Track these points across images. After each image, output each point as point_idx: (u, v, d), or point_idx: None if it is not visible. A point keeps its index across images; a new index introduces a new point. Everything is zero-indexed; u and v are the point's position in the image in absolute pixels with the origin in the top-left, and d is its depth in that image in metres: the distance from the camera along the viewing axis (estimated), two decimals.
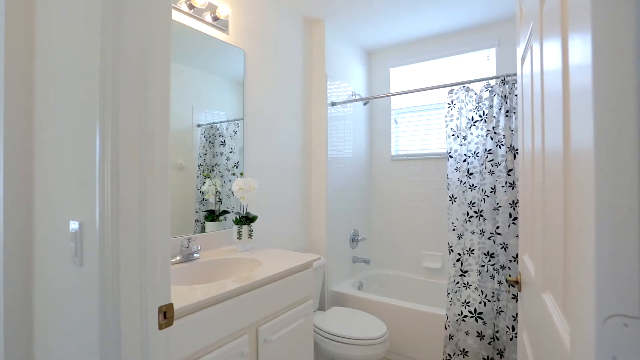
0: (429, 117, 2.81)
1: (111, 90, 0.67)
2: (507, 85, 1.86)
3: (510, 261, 1.80)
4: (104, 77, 0.67)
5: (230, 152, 1.84)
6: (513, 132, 1.83)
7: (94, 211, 0.70)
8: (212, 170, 1.75)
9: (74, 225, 0.79)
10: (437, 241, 2.72)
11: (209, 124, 1.73)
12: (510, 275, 1.79)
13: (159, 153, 0.73)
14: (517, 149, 1.80)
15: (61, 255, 0.86)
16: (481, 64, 2.61)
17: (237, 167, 1.88)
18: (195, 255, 1.50)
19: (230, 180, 1.83)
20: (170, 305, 0.76)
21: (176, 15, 1.58)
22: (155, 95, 0.72)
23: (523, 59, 0.97)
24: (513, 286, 1.04)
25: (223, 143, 1.80)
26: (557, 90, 0.51)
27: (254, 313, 1.24)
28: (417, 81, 2.90)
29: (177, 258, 1.44)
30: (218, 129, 1.78)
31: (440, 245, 2.71)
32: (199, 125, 1.68)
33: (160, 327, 0.74)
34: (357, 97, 2.82)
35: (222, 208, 1.80)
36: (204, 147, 1.70)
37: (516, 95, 1.84)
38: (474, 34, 2.61)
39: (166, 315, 0.75)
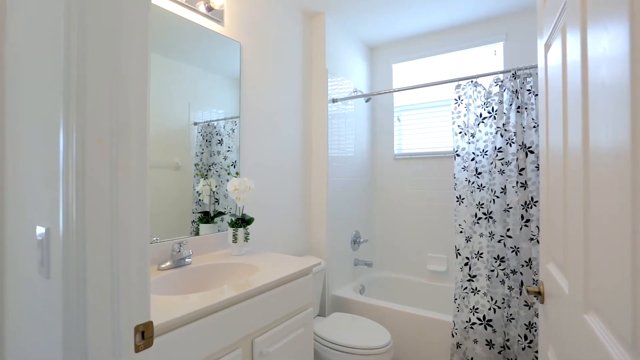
0: (433, 114, 2.71)
1: (76, 74, 0.57)
2: (518, 80, 1.76)
3: (523, 266, 1.70)
4: (68, 58, 0.57)
5: (228, 150, 1.76)
6: (525, 129, 1.73)
7: (59, 216, 0.60)
8: (210, 169, 1.66)
9: (40, 231, 0.69)
10: (442, 243, 2.62)
11: (206, 122, 1.65)
12: (522, 282, 1.69)
13: (136, 148, 0.63)
14: (529, 147, 1.71)
15: (30, 265, 0.76)
16: (488, 59, 2.51)
17: (234, 167, 1.79)
18: (187, 260, 1.41)
19: (227, 180, 1.73)
20: (149, 324, 0.66)
21: (168, 5, 1.48)
22: (130, 80, 0.62)
23: (548, 46, 0.87)
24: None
25: (220, 142, 1.71)
26: (618, 78, 0.41)
27: (249, 324, 1.14)
28: (421, 77, 2.80)
29: (167, 264, 1.34)
30: (215, 127, 1.69)
31: (445, 247, 2.61)
32: (195, 124, 1.60)
33: (137, 349, 0.64)
34: (359, 93, 2.71)
35: (219, 209, 1.71)
36: (200, 145, 1.62)
37: (528, 90, 1.74)
38: (480, 27, 2.51)
39: (144, 335, 0.65)
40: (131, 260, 0.63)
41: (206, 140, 1.65)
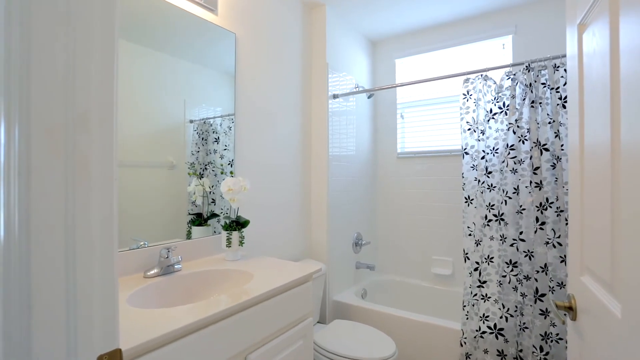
0: (439, 111, 2.60)
1: (19, 48, 0.46)
2: (532, 73, 1.65)
3: (537, 272, 1.59)
4: (9, 28, 0.46)
5: (225, 149, 1.66)
6: (539, 125, 1.62)
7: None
8: (206, 168, 1.56)
9: None
10: (448, 246, 2.51)
11: (202, 119, 1.55)
12: (537, 289, 1.58)
13: (98, 141, 0.52)
14: (544, 145, 1.59)
15: None
16: (496, 53, 2.40)
17: (231, 166, 1.69)
18: (176, 266, 1.30)
19: (224, 180, 1.64)
20: (117, 352, 0.55)
21: None
22: (92, 57, 0.51)
23: (583, 27, 0.76)
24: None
25: (217, 140, 1.62)
26: None
27: (243, 339, 1.03)
28: (425, 73, 2.69)
29: (154, 271, 1.23)
30: (211, 125, 1.59)
31: (451, 249, 2.50)
32: (191, 121, 1.51)
33: None
34: (361, 89, 2.60)
35: (216, 211, 1.60)
36: (196, 144, 1.53)
37: (543, 84, 1.63)
38: (487, 20, 2.40)
39: None
40: (93, 276, 0.52)
41: (202, 139, 1.56)
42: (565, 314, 0.85)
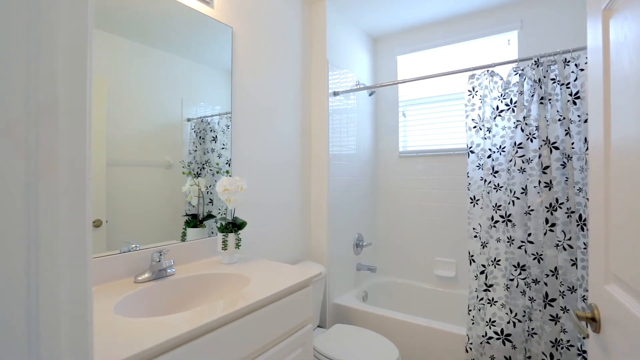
0: (442, 109, 2.53)
1: None
2: (541, 68, 1.58)
3: (547, 275, 1.52)
4: None
5: (223, 148, 1.60)
6: (549, 123, 1.55)
7: None
8: (203, 168, 1.50)
9: None
10: (451, 247, 2.45)
11: (200, 118, 1.50)
12: (547, 294, 1.52)
13: (68, 134, 0.46)
14: (554, 143, 1.53)
15: None
16: (501, 49, 2.33)
17: (229, 165, 1.63)
18: (169, 270, 1.23)
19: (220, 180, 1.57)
20: None
21: None
22: (59, 37, 0.45)
23: (609, 12, 0.70)
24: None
25: (214, 139, 1.56)
26: None
27: (237, 349, 0.96)
28: (427, 70, 2.62)
29: (145, 275, 1.17)
30: (209, 124, 1.54)
31: (454, 251, 2.43)
32: (189, 120, 1.46)
33: None
34: (362, 86, 2.54)
35: (213, 211, 1.54)
36: (194, 143, 1.48)
37: (552, 80, 1.56)
38: (492, 15, 2.33)
39: None
40: (61, 287, 0.45)
41: (200, 137, 1.51)
42: (581, 321, 0.79)
